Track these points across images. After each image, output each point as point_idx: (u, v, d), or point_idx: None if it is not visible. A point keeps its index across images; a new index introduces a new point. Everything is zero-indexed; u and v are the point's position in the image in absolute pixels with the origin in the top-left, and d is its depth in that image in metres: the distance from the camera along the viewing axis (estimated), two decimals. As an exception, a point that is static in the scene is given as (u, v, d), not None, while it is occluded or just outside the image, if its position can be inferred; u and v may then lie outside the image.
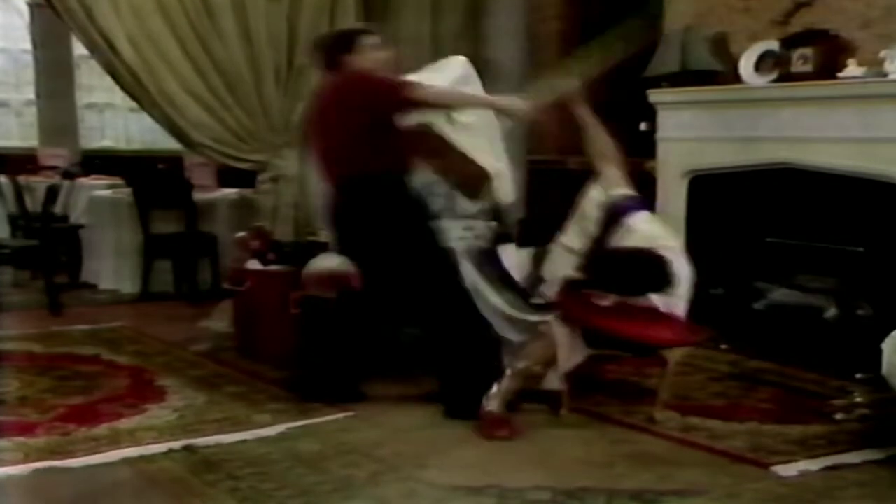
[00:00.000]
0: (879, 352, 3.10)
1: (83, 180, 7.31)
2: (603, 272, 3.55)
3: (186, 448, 3.24)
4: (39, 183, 6.91)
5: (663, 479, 2.97)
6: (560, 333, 3.50)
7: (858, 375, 3.95)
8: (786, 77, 4.44)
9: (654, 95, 4.98)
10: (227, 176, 6.68)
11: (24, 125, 8.81)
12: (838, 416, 3.59)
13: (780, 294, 4.73)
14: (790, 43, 4.46)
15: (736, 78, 4.67)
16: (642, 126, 5.17)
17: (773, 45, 4.54)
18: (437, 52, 5.79)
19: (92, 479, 2.99)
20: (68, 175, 7.06)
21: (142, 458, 3.15)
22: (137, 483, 2.94)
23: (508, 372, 3.55)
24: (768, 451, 3.25)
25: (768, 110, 4.53)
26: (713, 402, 3.89)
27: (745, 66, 4.64)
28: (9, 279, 6.41)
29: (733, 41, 4.77)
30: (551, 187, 6.10)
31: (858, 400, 3.72)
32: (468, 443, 3.36)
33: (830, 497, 2.84)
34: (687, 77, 4.85)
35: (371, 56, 3.73)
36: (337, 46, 3.79)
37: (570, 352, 3.51)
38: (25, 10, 8.40)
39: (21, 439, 3.31)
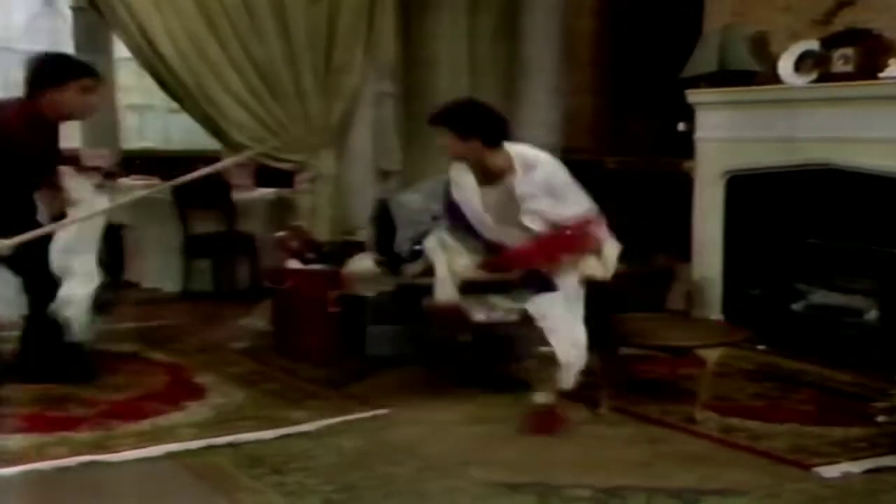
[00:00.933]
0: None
1: (124, 181, 7.41)
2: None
3: (230, 444, 3.30)
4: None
5: (704, 478, 2.98)
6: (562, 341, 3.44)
7: (899, 377, 3.91)
8: (826, 77, 4.42)
9: (693, 96, 4.97)
10: (263, 175, 6.75)
11: (67, 127, 8.94)
12: (880, 419, 3.54)
13: (819, 295, 4.70)
14: (831, 43, 4.43)
15: (775, 78, 4.65)
16: (680, 126, 5.17)
17: (814, 44, 4.51)
18: (474, 50, 5.83)
19: (138, 472, 3.05)
20: (109, 175, 7.16)
21: (186, 452, 3.21)
22: (184, 477, 2.99)
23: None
24: (809, 452, 3.24)
25: (808, 111, 4.51)
26: (752, 402, 3.88)
27: (784, 66, 4.61)
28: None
29: (773, 40, 4.75)
30: (586, 186, 6.10)
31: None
32: (508, 440, 3.38)
33: (874, 499, 2.83)
34: (725, 77, 4.83)
35: (79, 98, 3.85)
36: (50, 75, 3.83)
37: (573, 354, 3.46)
38: (69, 14, 8.53)
39: (66, 434, 3.38)
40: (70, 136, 8.76)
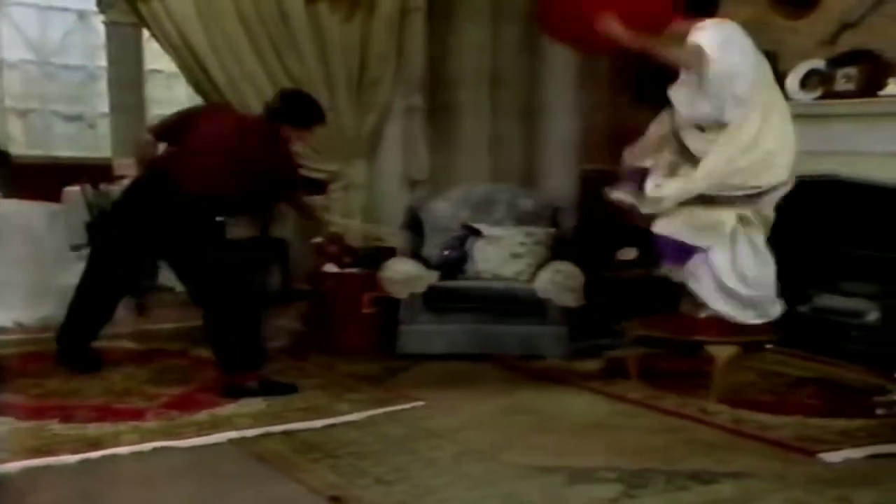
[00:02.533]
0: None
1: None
2: None
3: (284, 432, 3.61)
4: (116, 191, 7.34)
5: (718, 463, 3.28)
6: None
7: (897, 374, 4.21)
8: (830, 94, 4.71)
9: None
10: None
11: (99, 137, 9.29)
12: (879, 411, 3.85)
13: (824, 298, 4.98)
14: (835, 62, 4.73)
15: (783, 94, 4.93)
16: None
17: (820, 63, 4.81)
18: (497, 64, 6.12)
19: (206, 456, 3.37)
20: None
21: (245, 439, 3.53)
22: (248, 460, 3.31)
23: None
24: (814, 440, 3.54)
25: (814, 125, 4.79)
26: (761, 397, 4.18)
27: (792, 83, 4.91)
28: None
29: (782, 59, 5.03)
30: (602, 194, 6.38)
31: (898, 397, 3.98)
32: (539, 430, 3.70)
33: (874, 480, 3.12)
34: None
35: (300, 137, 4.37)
36: (296, 114, 4.33)
37: None
38: (102, 28, 8.88)
39: (134, 423, 3.70)
40: (101, 147, 9.15)
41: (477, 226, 5.20)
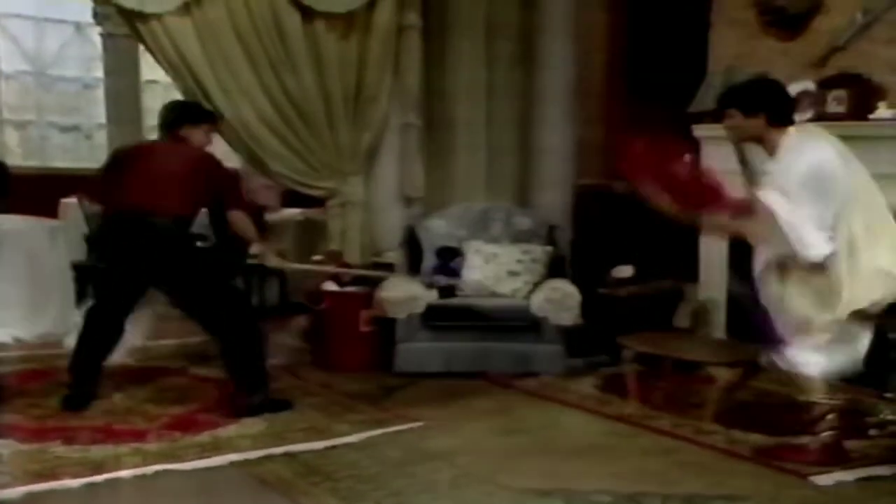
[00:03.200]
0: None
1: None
2: None
3: (285, 454, 3.66)
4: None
5: (712, 485, 3.34)
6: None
7: (888, 395, 4.27)
8: (821, 116, 4.78)
9: (698, 130, 5.33)
10: (290, 196, 7.08)
11: (95, 147, 9.33)
12: (872, 432, 3.92)
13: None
14: (826, 85, 4.80)
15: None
16: (686, 158, 5.50)
17: (810, 85, 4.88)
18: (492, 79, 6.17)
19: (208, 480, 3.42)
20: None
21: (247, 462, 3.58)
22: (251, 483, 3.36)
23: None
24: (807, 462, 3.59)
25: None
26: (755, 416, 4.24)
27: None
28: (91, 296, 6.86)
29: (773, 80, 5.11)
30: (597, 211, 6.46)
31: (890, 417, 4.05)
32: (536, 451, 3.75)
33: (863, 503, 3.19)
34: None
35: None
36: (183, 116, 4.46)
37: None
38: (98, 40, 8.91)
39: (136, 445, 3.75)
40: (98, 158, 9.18)
41: (453, 245, 5.27)
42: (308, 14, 5.40)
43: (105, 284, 4.47)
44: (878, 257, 3.35)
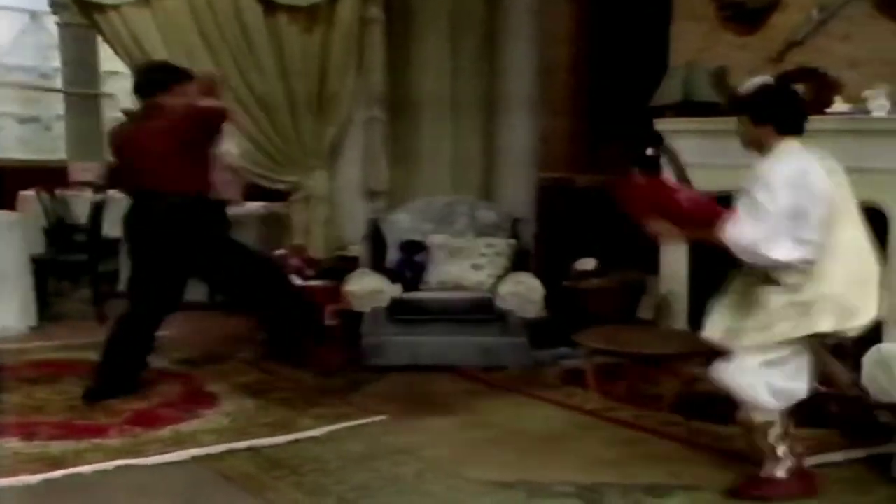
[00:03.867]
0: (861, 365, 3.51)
1: (112, 193, 7.66)
2: None
3: (249, 448, 3.65)
4: (72, 196, 7.29)
5: (672, 475, 3.39)
6: None
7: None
8: (780, 110, 4.85)
9: (660, 124, 5.38)
10: (252, 190, 7.04)
11: (54, 139, 9.21)
12: (829, 421, 3.99)
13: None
14: (784, 79, 4.86)
15: (734, 109, 5.06)
16: (649, 151, 5.56)
17: (769, 80, 4.93)
18: (456, 76, 6.19)
19: (171, 475, 3.40)
20: (100, 188, 7.42)
21: (209, 456, 3.56)
22: (214, 478, 3.35)
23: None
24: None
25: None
26: (715, 408, 4.29)
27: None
28: (51, 289, 6.77)
29: (732, 75, 5.17)
30: (561, 204, 6.51)
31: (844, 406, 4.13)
32: (500, 443, 3.78)
33: (820, 489, 3.25)
34: (689, 107, 5.26)
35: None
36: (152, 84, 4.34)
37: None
38: (55, 29, 8.78)
39: (98, 440, 3.72)
40: (57, 149, 9.06)
41: (417, 239, 5.28)
42: (270, 7, 5.38)
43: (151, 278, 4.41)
44: (835, 284, 3.13)
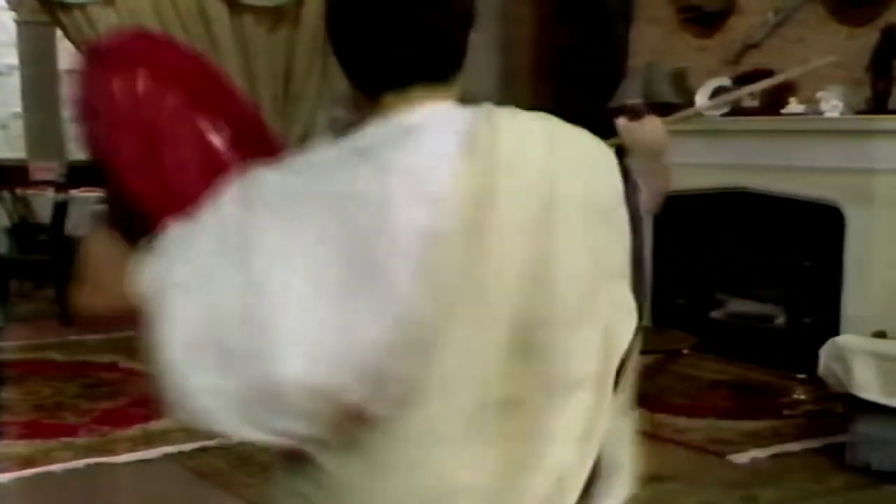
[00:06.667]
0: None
1: (74, 192, 7.59)
2: None
3: (220, 445, 3.67)
4: (34, 196, 7.22)
5: (636, 466, 3.47)
6: None
7: (800, 376, 4.50)
8: (736, 111, 4.98)
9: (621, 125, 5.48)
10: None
11: (12, 137, 9.07)
12: (785, 412, 4.13)
13: (735, 304, 5.27)
14: (741, 80, 4.99)
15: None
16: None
17: (726, 81, 5.08)
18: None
19: (142, 473, 3.42)
20: (61, 187, 7.35)
21: (181, 454, 3.58)
22: (187, 476, 3.37)
23: None
24: (724, 442, 3.78)
25: (722, 140, 5.07)
26: (678, 400, 4.41)
27: (701, 98, 5.15)
28: (14, 290, 6.71)
29: (691, 76, 5.30)
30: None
31: (801, 397, 4.27)
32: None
33: (777, 478, 3.38)
34: (649, 108, 5.37)
35: None
36: None
37: None
38: (12, 26, 8.66)
39: (67, 439, 3.72)
40: (15, 147, 8.92)
41: None
42: (236, 7, 5.39)
43: None
44: None
